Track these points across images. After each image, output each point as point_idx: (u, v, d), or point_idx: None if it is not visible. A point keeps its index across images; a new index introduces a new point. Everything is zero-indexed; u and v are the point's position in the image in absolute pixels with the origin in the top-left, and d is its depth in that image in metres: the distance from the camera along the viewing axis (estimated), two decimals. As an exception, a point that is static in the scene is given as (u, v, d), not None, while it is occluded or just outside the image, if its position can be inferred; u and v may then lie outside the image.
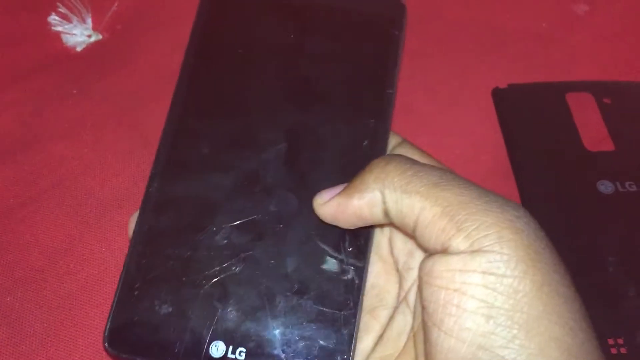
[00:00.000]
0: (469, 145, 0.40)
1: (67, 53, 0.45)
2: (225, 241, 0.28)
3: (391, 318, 0.28)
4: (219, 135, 0.31)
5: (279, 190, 0.29)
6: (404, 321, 0.28)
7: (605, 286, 0.34)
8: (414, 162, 0.25)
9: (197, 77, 0.32)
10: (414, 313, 0.27)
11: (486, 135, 0.41)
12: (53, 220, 0.36)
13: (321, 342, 0.26)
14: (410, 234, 0.25)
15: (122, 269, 0.28)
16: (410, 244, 0.28)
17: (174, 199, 0.29)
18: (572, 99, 0.41)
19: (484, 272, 0.21)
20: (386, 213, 0.25)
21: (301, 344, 0.26)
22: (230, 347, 0.26)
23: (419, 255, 0.28)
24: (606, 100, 0.41)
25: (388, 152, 0.30)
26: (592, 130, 0.40)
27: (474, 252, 0.22)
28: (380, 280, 0.29)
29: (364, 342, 0.28)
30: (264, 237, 0.28)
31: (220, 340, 0.26)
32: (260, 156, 0.30)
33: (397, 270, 0.29)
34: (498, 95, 0.42)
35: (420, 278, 0.24)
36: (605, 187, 0.37)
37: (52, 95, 0.42)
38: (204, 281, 0.28)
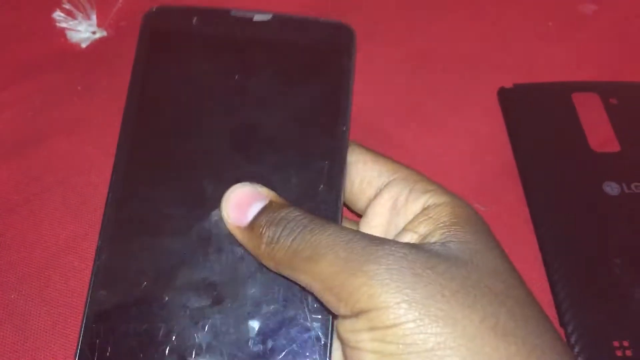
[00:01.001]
0: (474, 146, 0.40)
1: (72, 50, 0.44)
2: (183, 309, 0.27)
3: None
4: (165, 195, 0.28)
5: (233, 248, 0.28)
6: None
7: (611, 288, 0.34)
8: (298, 226, 0.25)
9: (138, 130, 0.30)
10: None
11: (492, 136, 0.41)
12: (57, 217, 0.36)
13: None
14: None
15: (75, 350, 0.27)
16: None
17: (123, 270, 0.27)
18: (578, 99, 0.41)
19: (369, 329, 0.23)
20: None
21: None
22: None
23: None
24: (612, 101, 0.41)
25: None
26: (598, 130, 0.39)
27: (357, 314, 0.23)
28: None
29: None
30: (224, 300, 0.27)
31: None
32: (211, 214, 0.28)
33: None
34: (504, 95, 0.42)
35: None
36: (611, 188, 0.37)
37: (57, 92, 0.42)
38: (163, 356, 0.26)
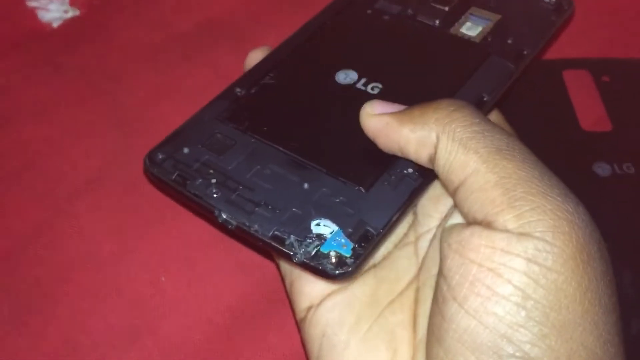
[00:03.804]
0: (460, 125, 0.39)
1: (43, 29, 0.43)
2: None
3: (390, 255, 0.27)
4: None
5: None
6: (407, 267, 0.26)
7: (600, 273, 0.32)
8: (485, 119, 0.23)
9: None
10: (423, 265, 0.25)
11: (478, 115, 0.39)
12: (22, 203, 0.35)
13: None
14: (450, 191, 0.23)
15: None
16: (439, 190, 0.26)
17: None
18: (569, 76, 0.39)
19: (528, 260, 0.20)
20: (432, 159, 0.24)
21: None
22: None
23: (444, 204, 0.26)
24: (604, 78, 0.39)
25: None
26: (589, 109, 0.38)
27: (522, 234, 0.20)
28: None
29: None
30: None
31: None
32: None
33: (414, 211, 0.27)
34: (491, 73, 0.40)
35: (446, 244, 0.22)
36: (602, 169, 0.35)
37: (26, 73, 0.40)
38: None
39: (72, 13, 0.44)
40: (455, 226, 0.22)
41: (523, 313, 0.19)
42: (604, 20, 0.43)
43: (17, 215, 0.35)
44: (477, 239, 0.21)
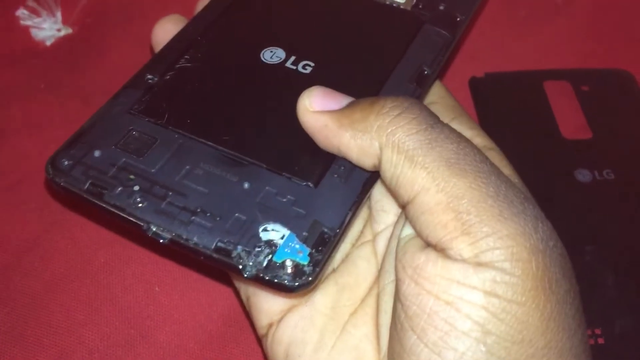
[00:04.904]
0: (445, 136, 0.40)
1: (36, 48, 0.44)
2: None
3: (348, 256, 0.25)
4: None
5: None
6: (367, 269, 0.24)
7: (583, 275, 0.32)
8: (434, 121, 0.21)
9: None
10: (382, 268, 0.24)
11: (463, 125, 0.40)
12: (18, 216, 0.35)
13: None
14: (399, 205, 0.22)
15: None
16: None
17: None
18: (549, 87, 0.40)
19: (487, 292, 0.18)
20: (376, 167, 0.22)
21: None
22: None
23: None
24: (584, 88, 0.40)
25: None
26: (570, 118, 0.39)
27: (478, 264, 0.19)
28: None
29: None
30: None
31: None
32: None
33: (369, 206, 0.25)
34: (475, 84, 0.41)
35: (401, 266, 0.21)
36: (583, 175, 0.36)
37: (19, 91, 0.41)
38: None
39: (65, 31, 0.45)
40: (409, 246, 0.21)
41: (483, 349, 0.18)
42: (583, 33, 0.45)
43: (12, 227, 0.35)
44: (432, 267, 0.19)
